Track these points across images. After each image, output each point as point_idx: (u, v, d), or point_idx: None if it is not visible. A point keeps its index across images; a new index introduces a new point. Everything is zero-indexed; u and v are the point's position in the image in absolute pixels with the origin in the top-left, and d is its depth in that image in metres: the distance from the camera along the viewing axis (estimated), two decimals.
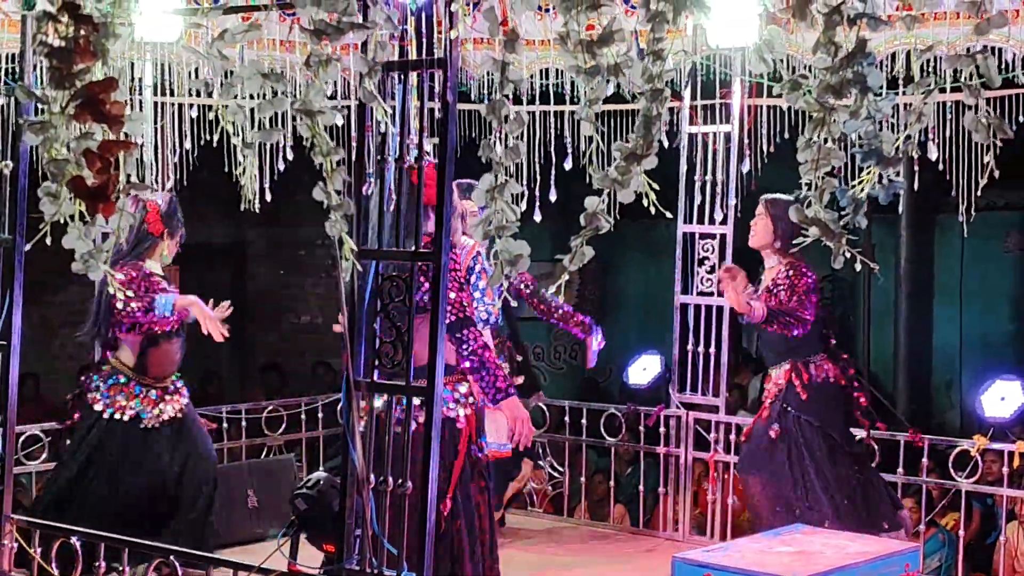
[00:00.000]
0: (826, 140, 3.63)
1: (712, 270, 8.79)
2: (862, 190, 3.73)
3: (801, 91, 3.63)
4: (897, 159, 3.68)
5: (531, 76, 8.64)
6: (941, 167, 7.64)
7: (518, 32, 3.88)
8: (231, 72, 4.18)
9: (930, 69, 5.77)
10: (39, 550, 6.32)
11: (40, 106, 3.86)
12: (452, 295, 5.98)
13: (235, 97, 4.10)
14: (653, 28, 3.72)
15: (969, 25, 3.80)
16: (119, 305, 7.18)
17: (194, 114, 7.92)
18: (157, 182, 8.32)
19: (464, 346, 6.03)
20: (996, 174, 3.88)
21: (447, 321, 5.85)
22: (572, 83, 8.45)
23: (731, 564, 6.61)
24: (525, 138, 8.55)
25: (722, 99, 8.59)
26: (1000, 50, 7.21)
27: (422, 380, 5.02)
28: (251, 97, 4.10)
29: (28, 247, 4.48)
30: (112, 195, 3.26)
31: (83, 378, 7.60)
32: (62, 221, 3.72)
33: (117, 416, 7.37)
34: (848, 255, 3.74)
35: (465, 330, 6.04)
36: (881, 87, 3.71)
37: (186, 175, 8.45)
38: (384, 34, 4.30)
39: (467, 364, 6.06)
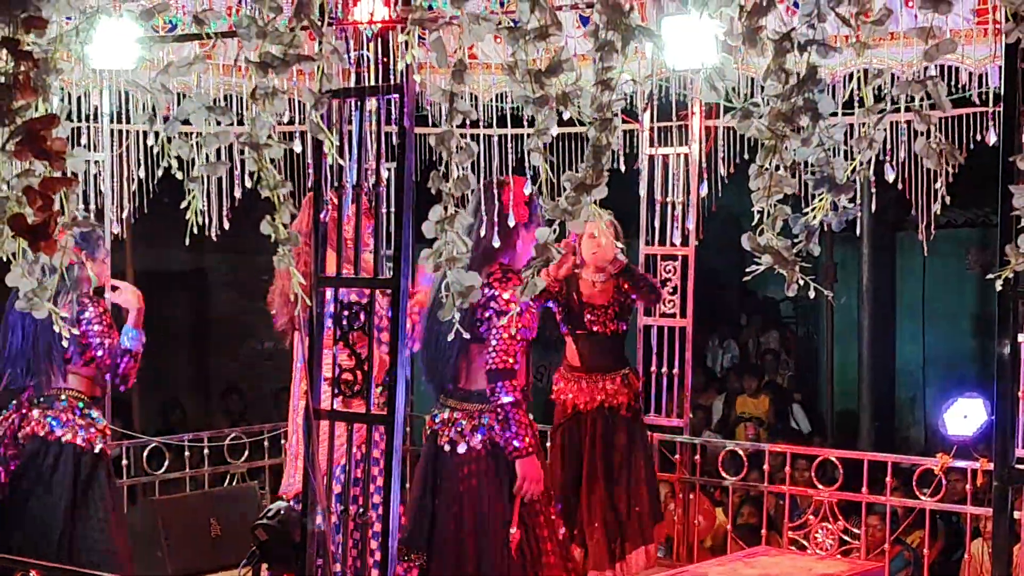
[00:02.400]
0: (778, 167, 3.62)
1: (675, 291, 8.80)
2: (815, 217, 3.71)
3: (753, 119, 3.62)
4: (850, 186, 3.66)
5: (490, 99, 8.62)
6: (900, 186, 7.65)
7: (466, 63, 3.85)
8: (179, 102, 4.15)
9: (882, 91, 5.77)
10: None
11: None
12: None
13: (183, 126, 4.06)
14: (602, 57, 3.70)
15: (922, 46, 3.79)
16: (96, 341, 7.19)
17: (152, 141, 7.86)
18: (114, 211, 8.28)
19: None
20: (947, 200, 3.87)
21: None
22: None
23: None
24: (484, 163, 8.52)
25: (681, 121, 8.60)
26: (956, 69, 7.24)
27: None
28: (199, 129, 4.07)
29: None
30: (53, 233, 3.22)
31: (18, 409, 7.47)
32: (4, 259, 3.67)
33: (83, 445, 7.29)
34: (802, 283, 3.72)
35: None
36: (834, 113, 3.71)
37: (146, 202, 8.40)
38: (335, 63, 4.27)
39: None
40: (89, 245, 7.24)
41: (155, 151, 7.89)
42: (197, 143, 4.20)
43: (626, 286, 7.94)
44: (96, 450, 7.25)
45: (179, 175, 4.22)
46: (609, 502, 7.82)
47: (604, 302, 7.97)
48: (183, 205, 4.23)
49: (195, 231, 4.31)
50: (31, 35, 3.44)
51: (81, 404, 7.30)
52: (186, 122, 4.43)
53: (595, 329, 7.96)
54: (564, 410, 8.10)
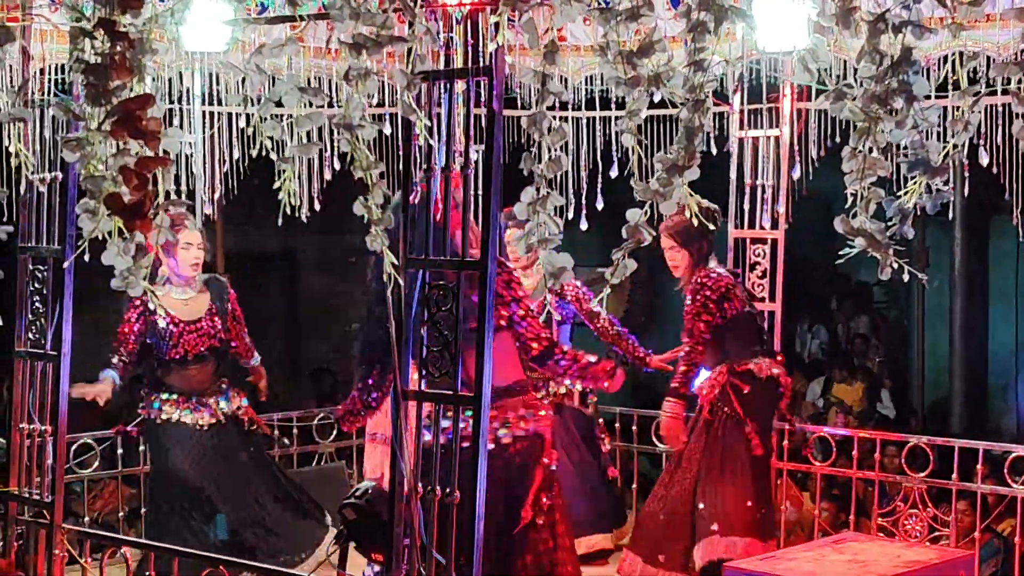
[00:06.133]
0: (871, 149, 3.58)
1: (764, 275, 8.73)
2: (909, 200, 3.67)
3: (846, 100, 3.58)
4: (944, 168, 3.62)
5: (579, 82, 8.59)
6: (995, 170, 7.55)
7: (557, 44, 3.85)
8: (274, 83, 4.18)
9: (977, 74, 5.69)
10: (90, 560, 6.37)
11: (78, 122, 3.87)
12: None
13: (276, 107, 4.09)
14: (694, 38, 3.68)
15: (1019, 27, 3.74)
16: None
17: (243, 123, 7.93)
18: (206, 192, 8.36)
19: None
20: None
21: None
22: None
23: (784, 572, 6.56)
24: (573, 145, 8.49)
25: (771, 103, 8.53)
26: None
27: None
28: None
29: (66, 264, 4.50)
30: (148, 212, 3.26)
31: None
32: (100, 238, 3.72)
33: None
34: (896, 266, 3.68)
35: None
36: (928, 96, 3.67)
37: (237, 184, 8.47)
38: (427, 45, 4.28)
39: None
40: None
41: (246, 133, 8.02)
42: (289, 124, 4.22)
43: None
44: None
45: (271, 156, 4.24)
46: None
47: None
48: (276, 186, 4.26)
49: (287, 212, 4.34)
50: (127, 16, 3.47)
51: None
52: (278, 104, 4.47)
53: None
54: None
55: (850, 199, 3.73)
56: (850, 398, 14.14)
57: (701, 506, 7.53)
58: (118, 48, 3.35)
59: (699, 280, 7.63)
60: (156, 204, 3.66)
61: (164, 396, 7.52)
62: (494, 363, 5.14)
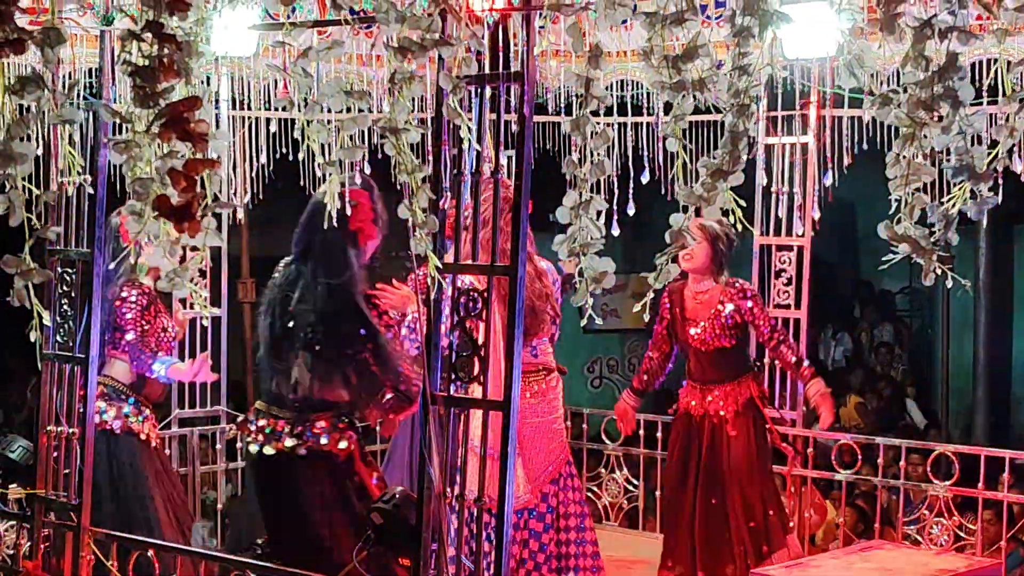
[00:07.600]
0: (916, 155, 3.57)
1: (789, 282, 8.71)
2: (953, 206, 3.66)
3: (892, 106, 3.57)
4: (990, 174, 3.61)
5: (606, 88, 8.58)
6: (1023, 178, 7.52)
7: (601, 48, 3.84)
8: (312, 88, 4.18)
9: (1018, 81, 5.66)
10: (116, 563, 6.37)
11: (123, 124, 3.87)
12: None
13: (321, 111, 4.09)
14: (739, 43, 3.67)
15: None
16: (129, 336, 7.25)
17: (273, 128, 7.93)
18: (234, 196, 8.36)
19: None
20: None
21: None
22: (648, 95, 8.40)
23: None
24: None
25: (800, 110, 8.51)
26: None
27: None
28: (331, 112, 4.10)
29: (113, 264, 4.51)
30: (197, 213, 3.26)
31: None
32: (147, 240, 3.73)
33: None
34: (939, 271, 3.68)
35: None
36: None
37: (261, 188, 8.48)
38: (466, 49, 4.28)
39: None
40: None
41: (273, 137, 8.02)
42: (329, 128, 4.22)
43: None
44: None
45: (318, 160, 4.25)
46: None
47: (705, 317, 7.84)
48: (320, 189, 4.26)
49: (329, 216, 4.34)
50: (174, 18, 3.48)
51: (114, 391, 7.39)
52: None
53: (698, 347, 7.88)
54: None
55: (894, 204, 3.71)
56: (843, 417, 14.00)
57: None
58: (166, 51, 3.36)
59: (752, 296, 7.84)
60: (204, 206, 3.66)
61: (132, 403, 7.42)
62: None
